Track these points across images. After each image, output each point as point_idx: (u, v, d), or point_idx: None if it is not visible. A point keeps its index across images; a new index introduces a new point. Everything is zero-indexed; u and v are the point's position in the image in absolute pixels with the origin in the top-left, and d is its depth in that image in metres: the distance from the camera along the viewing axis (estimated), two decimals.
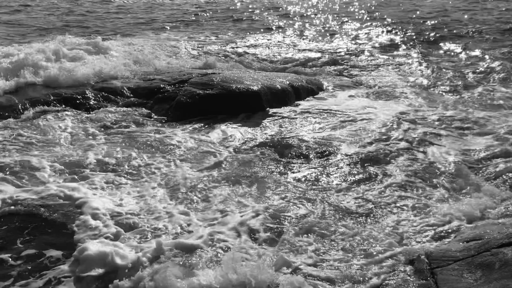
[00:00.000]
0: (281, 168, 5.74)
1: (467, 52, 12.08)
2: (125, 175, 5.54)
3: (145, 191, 5.19)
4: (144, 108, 7.75)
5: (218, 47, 12.88)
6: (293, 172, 5.62)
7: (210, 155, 6.08)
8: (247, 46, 13.00)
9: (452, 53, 12.09)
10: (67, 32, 12.76)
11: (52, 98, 7.80)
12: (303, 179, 5.46)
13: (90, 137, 6.62)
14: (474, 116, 7.40)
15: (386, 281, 3.67)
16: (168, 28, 15.99)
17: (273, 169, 5.69)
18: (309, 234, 4.35)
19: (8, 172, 5.48)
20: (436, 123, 7.16)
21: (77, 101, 7.80)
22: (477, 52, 11.95)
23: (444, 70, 10.46)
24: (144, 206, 4.87)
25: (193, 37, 14.29)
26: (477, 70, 10.30)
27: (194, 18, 18.38)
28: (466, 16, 17.31)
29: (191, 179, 5.41)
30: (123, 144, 6.40)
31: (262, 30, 15.57)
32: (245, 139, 6.63)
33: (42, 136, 6.58)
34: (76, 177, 5.46)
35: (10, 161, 5.74)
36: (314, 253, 4.07)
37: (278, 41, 13.76)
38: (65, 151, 6.10)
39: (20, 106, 7.48)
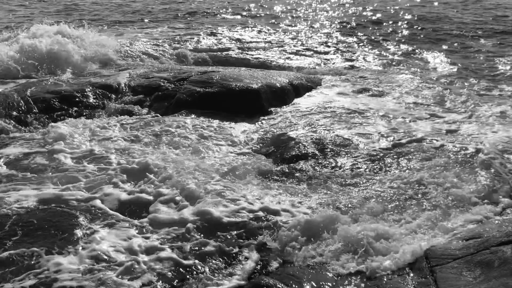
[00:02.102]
0: (284, 165, 5.79)
1: (465, 49, 12.11)
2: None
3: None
4: (142, 106, 7.73)
5: (213, 43, 12.85)
6: (294, 169, 5.64)
7: (216, 152, 6.13)
8: (243, 45, 12.98)
9: (452, 51, 12.11)
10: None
11: (51, 95, 7.76)
12: (306, 175, 5.50)
13: (102, 135, 6.65)
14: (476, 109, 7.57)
15: (385, 280, 3.68)
16: (166, 21, 15.96)
17: (281, 165, 5.77)
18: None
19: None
20: (444, 119, 7.23)
21: (77, 99, 7.78)
22: (472, 50, 12.00)
23: (447, 69, 10.51)
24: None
25: (190, 32, 14.26)
26: (473, 66, 10.35)
27: (190, 11, 18.34)
28: (463, 16, 17.33)
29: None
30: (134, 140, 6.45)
31: (258, 27, 15.53)
32: (247, 137, 6.64)
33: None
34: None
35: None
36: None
37: (277, 41, 13.73)
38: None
39: (21, 105, 7.44)
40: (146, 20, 16.39)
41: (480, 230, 4.05)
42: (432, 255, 3.80)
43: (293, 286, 3.62)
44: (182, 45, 12.41)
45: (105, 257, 4.00)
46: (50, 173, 5.45)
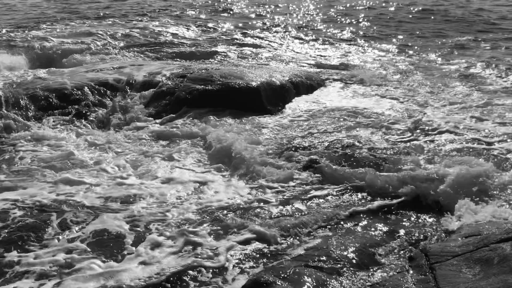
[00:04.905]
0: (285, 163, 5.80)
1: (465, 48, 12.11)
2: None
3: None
4: (142, 104, 7.72)
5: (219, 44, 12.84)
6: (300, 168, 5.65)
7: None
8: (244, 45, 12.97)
9: (451, 50, 12.11)
10: None
11: (50, 94, 7.73)
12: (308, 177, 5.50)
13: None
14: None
15: (385, 277, 3.68)
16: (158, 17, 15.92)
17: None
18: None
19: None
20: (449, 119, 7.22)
21: (77, 97, 7.76)
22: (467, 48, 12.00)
23: (448, 69, 10.51)
24: None
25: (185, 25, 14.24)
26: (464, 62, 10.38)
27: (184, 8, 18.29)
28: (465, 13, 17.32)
29: None
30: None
31: (254, 27, 15.52)
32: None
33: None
34: None
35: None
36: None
37: (274, 39, 13.72)
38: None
39: (22, 103, 7.43)
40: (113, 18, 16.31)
41: (479, 227, 4.05)
42: (431, 252, 3.80)
43: (293, 283, 3.62)
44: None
45: None
46: None
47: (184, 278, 3.82)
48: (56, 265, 3.95)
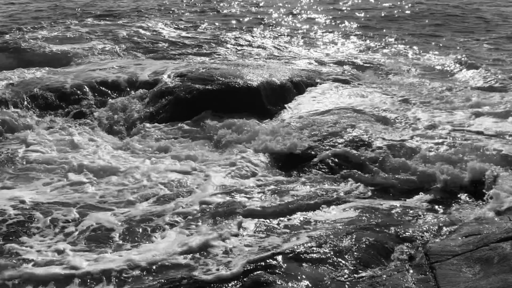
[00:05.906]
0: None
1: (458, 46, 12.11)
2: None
3: None
4: (141, 104, 7.73)
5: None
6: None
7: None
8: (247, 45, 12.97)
9: (447, 50, 12.11)
10: None
11: (51, 93, 7.75)
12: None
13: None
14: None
15: (385, 276, 3.69)
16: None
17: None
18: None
19: None
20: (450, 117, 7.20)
21: (78, 96, 7.78)
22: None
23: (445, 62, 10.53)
24: None
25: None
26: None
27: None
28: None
29: None
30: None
31: (253, 28, 15.51)
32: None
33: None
34: None
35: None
36: None
37: (272, 40, 13.72)
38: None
39: (23, 102, 7.45)
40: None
41: (479, 226, 4.05)
42: (431, 251, 3.80)
43: (292, 281, 3.63)
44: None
45: None
46: None
47: (178, 271, 3.84)
48: (53, 258, 4.01)
